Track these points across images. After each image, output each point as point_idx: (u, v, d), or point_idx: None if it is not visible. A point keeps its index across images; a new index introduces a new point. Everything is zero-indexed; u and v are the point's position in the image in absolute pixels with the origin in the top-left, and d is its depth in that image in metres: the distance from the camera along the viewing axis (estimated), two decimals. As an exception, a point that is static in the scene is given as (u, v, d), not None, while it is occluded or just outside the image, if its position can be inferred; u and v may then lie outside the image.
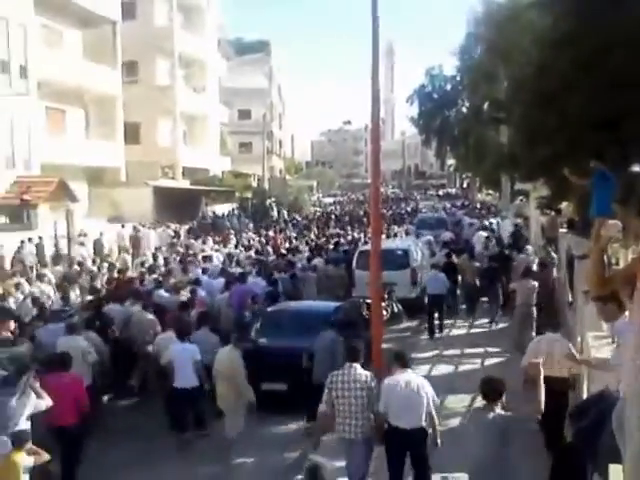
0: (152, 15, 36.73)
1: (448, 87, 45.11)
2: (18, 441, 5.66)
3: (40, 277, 14.80)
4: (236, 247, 22.20)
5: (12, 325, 8.14)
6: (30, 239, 19.15)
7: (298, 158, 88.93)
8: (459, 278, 16.53)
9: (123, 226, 24.49)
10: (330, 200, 64.79)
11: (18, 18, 24.78)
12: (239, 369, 8.12)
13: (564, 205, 17.84)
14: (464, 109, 43.39)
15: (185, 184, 37.35)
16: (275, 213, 40.36)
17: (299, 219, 38.07)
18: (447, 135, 45.17)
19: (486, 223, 26.92)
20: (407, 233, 25.37)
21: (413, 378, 6.62)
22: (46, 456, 5.89)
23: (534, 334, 10.72)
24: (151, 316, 10.64)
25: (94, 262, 18.52)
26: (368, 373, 6.80)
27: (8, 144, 24.49)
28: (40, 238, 19.60)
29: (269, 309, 11.57)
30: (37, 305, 11.24)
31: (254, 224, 33.84)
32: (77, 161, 28.05)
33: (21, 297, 12.52)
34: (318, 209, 49.93)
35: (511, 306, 13.59)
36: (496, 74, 26.46)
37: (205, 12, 42.41)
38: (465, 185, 66.00)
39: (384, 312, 13.54)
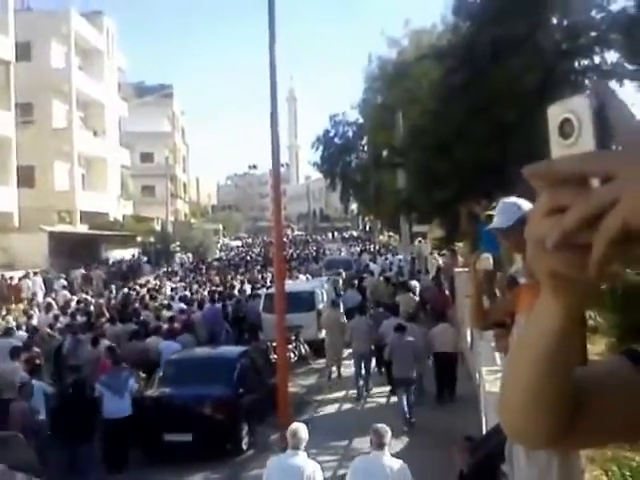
0: (48, 57, 35.68)
1: (350, 133, 46.57)
2: None
3: None
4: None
5: None
6: None
7: (204, 202, 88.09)
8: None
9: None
10: (238, 243, 64.40)
11: None
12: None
13: (460, 245, 18.71)
14: (364, 154, 44.88)
15: (83, 229, 35.97)
16: (182, 256, 39.75)
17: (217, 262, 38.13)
18: (349, 180, 46.39)
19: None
20: (311, 275, 25.59)
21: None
22: None
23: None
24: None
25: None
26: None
27: None
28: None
29: (171, 357, 11.24)
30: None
31: (158, 268, 33.07)
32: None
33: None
34: (222, 253, 49.47)
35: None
36: (393, 123, 27.72)
37: (104, 55, 41.77)
38: (367, 228, 67.72)
39: (291, 355, 13.54)
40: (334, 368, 14.14)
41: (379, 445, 5.76)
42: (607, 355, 6.65)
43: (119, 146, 44.45)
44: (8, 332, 12.71)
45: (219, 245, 55.92)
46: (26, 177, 32.73)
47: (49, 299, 20.17)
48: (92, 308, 17.93)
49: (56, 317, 15.77)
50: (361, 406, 12.04)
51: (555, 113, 0.68)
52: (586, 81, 12.68)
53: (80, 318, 15.69)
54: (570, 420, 0.81)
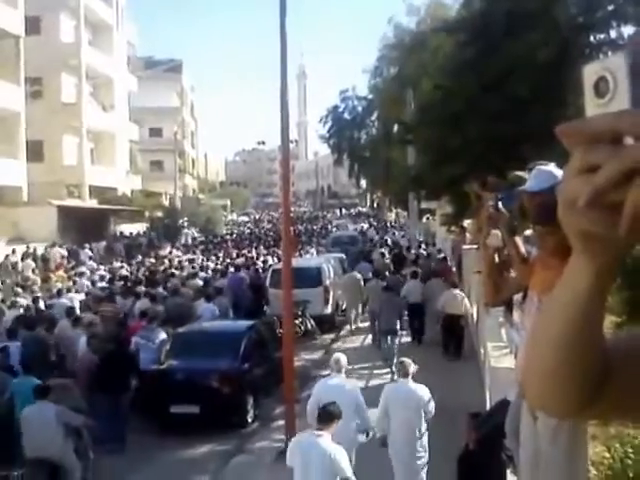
0: (58, 31, 35.45)
1: (359, 108, 46.16)
2: None
3: None
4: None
5: None
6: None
7: (212, 178, 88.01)
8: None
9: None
10: (245, 219, 64.44)
11: None
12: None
13: (469, 222, 18.57)
14: (374, 130, 44.50)
15: (92, 204, 36.06)
16: (192, 231, 40.14)
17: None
18: (357, 155, 46.07)
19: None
20: (318, 251, 25.93)
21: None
22: None
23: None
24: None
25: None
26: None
27: None
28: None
29: (179, 330, 11.30)
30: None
31: (167, 243, 33.32)
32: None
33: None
34: (232, 228, 49.59)
35: None
36: (404, 97, 27.40)
37: (113, 29, 41.44)
38: (376, 205, 67.43)
39: (297, 329, 13.61)
40: (353, 323, 16.44)
41: (404, 374, 6.80)
42: (615, 333, 6.59)
43: (128, 121, 44.32)
44: (60, 293, 14.44)
45: (226, 221, 55.94)
46: (35, 151, 32.76)
47: (82, 268, 21.74)
48: (123, 275, 19.25)
49: (93, 283, 17.51)
50: (366, 380, 12.10)
51: (590, 72, 0.66)
52: (601, 55, 12.44)
53: (117, 283, 17.28)
54: (598, 388, 0.80)
